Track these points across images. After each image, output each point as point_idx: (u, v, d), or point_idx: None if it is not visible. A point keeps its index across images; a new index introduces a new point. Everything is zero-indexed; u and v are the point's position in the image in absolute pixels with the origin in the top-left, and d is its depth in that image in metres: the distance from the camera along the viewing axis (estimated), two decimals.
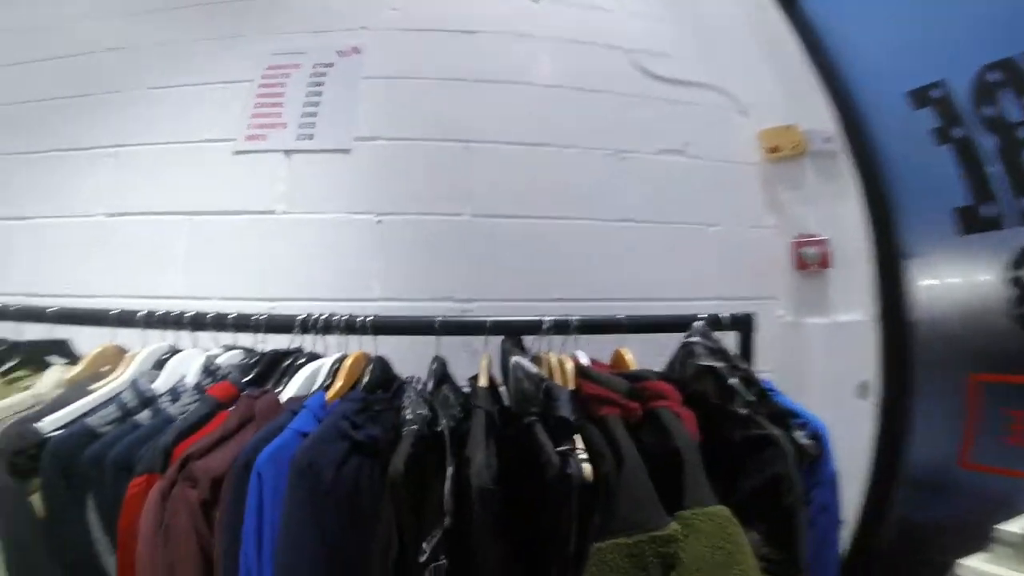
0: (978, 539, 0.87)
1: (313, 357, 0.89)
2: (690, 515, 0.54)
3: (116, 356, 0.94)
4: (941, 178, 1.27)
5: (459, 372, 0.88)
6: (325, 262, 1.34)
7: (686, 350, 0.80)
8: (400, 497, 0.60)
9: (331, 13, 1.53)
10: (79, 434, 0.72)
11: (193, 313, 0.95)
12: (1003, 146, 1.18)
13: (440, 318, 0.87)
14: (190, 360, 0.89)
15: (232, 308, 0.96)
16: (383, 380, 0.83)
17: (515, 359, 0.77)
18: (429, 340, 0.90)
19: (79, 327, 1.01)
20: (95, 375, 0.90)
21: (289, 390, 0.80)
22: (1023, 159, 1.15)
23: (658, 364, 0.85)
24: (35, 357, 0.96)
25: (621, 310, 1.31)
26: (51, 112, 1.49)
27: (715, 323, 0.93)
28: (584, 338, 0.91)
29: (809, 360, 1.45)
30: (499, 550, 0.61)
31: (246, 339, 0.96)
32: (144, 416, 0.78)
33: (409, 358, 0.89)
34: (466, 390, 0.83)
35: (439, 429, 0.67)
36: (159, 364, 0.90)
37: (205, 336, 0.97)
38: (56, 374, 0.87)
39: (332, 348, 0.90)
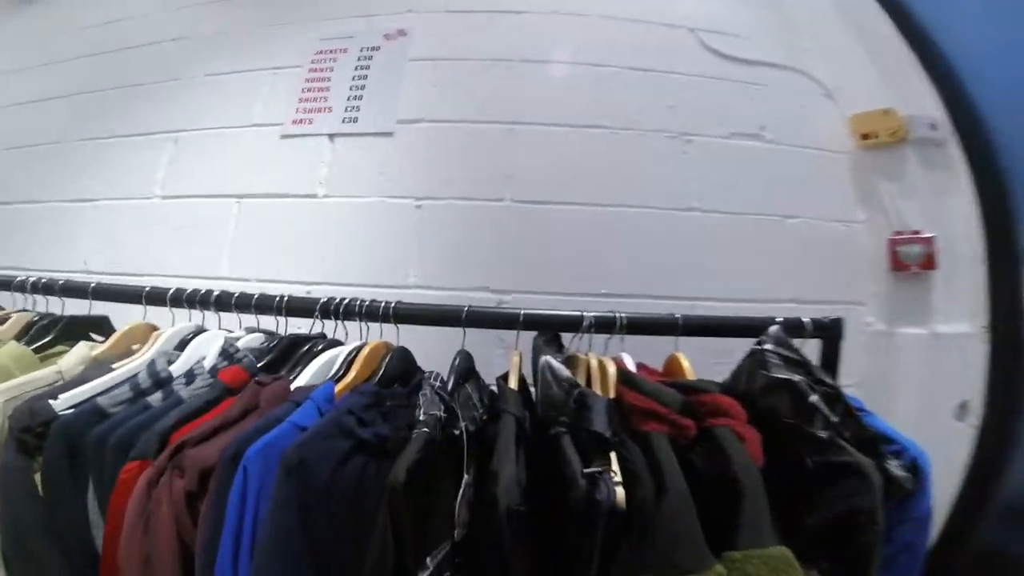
0: None
1: (333, 344, 0.83)
2: (741, 557, 0.47)
3: (146, 334, 0.91)
4: None
5: (491, 369, 0.78)
6: (363, 247, 1.29)
7: (756, 359, 0.68)
8: (399, 506, 0.51)
9: None
10: (88, 413, 0.68)
11: (218, 293, 0.91)
12: None
13: (468, 308, 0.77)
14: (210, 342, 0.85)
15: (272, 290, 0.91)
16: (401, 373, 0.75)
17: (544, 359, 0.66)
18: (460, 332, 0.80)
19: (126, 305, 1.00)
20: (124, 353, 0.88)
21: (302, 378, 0.73)
22: None
23: (720, 374, 0.73)
24: (75, 332, 0.96)
25: (680, 309, 1.18)
26: (118, 100, 1.56)
27: (794, 328, 0.79)
28: (635, 340, 0.80)
29: (900, 375, 1.24)
30: (517, 572, 0.52)
31: (270, 322, 0.91)
32: (156, 398, 0.74)
33: (439, 350, 0.79)
34: (494, 389, 0.73)
35: (456, 432, 0.59)
36: (182, 345, 0.87)
37: (231, 317, 0.93)
38: (82, 351, 0.85)
39: (361, 335, 0.83)
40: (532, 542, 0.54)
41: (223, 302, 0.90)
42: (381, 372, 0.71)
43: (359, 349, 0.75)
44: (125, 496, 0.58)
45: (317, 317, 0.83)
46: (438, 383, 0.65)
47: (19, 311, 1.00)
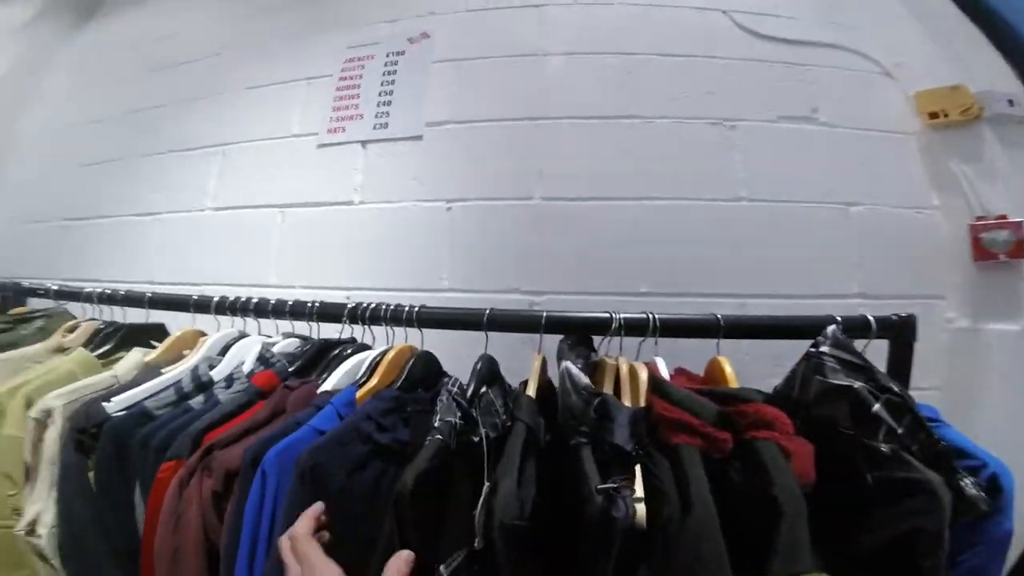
0: None
1: (362, 348, 0.84)
2: None
3: (194, 340, 0.96)
4: None
5: (524, 375, 0.73)
6: (398, 251, 1.30)
7: (812, 364, 0.63)
8: (406, 513, 0.51)
9: (401, 0, 1.50)
10: (136, 415, 0.73)
11: (257, 300, 0.94)
12: None
13: (488, 311, 0.75)
14: (249, 347, 0.88)
15: (315, 296, 0.93)
16: (425, 377, 0.74)
17: (564, 364, 0.63)
18: (493, 336, 0.78)
19: (179, 312, 1.06)
20: (175, 358, 0.93)
21: (329, 383, 0.74)
22: None
23: (773, 380, 0.67)
24: (135, 339, 1.03)
25: (729, 308, 1.11)
26: (171, 115, 1.65)
27: (857, 328, 0.71)
28: (680, 343, 0.74)
29: (988, 378, 1.10)
30: None
31: (306, 327, 0.93)
32: (197, 401, 0.78)
33: (469, 353, 0.76)
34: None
35: (476, 439, 0.57)
36: (224, 350, 0.91)
37: (272, 323, 0.96)
38: (136, 356, 0.91)
39: (388, 339, 0.83)
40: (542, 557, 0.52)
41: (261, 309, 0.94)
42: (403, 377, 0.71)
43: (384, 354, 0.75)
44: (161, 494, 0.61)
45: (345, 322, 0.84)
46: (456, 389, 0.64)
47: (88, 320, 1.09)
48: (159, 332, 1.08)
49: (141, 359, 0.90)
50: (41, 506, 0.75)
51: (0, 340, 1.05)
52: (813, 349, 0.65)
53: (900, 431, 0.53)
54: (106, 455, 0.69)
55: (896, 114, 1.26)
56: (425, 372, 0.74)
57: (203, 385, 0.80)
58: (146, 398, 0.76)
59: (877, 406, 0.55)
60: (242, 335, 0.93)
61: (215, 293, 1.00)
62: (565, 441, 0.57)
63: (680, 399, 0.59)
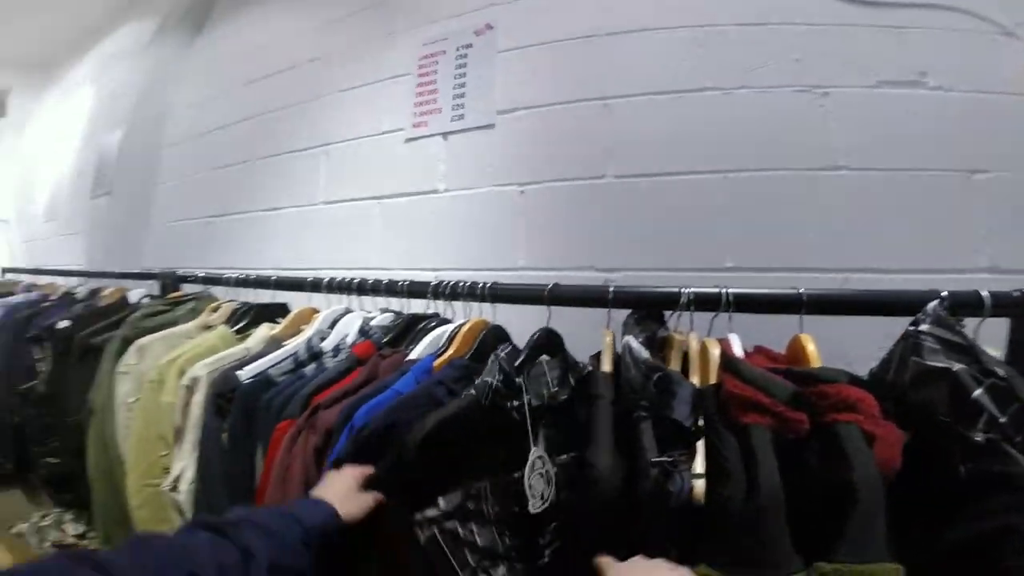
0: None
1: (444, 322, 0.89)
2: (831, 570, 0.41)
3: (310, 316, 1.08)
4: None
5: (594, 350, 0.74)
6: (478, 234, 1.34)
7: (909, 344, 0.56)
8: (414, 456, 0.56)
9: None
10: (261, 382, 0.82)
11: (359, 280, 1.03)
12: None
13: (551, 286, 0.76)
14: (353, 321, 0.97)
15: (411, 277, 0.99)
16: (494, 348, 0.77)
17: (626, 339, 0.62)
18: (566, 311, 0.78)
19: (297, 293, 1.18)
20: (294, 332, 1.04)
21: (415, 352, 0.80)
22: None
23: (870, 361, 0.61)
24: (264, 317, 1.17)
25: (828, 283, 1.02)
26: (282, 120, 1.81)
27: (967, 305, 0.62)
28: (765, 321, 0.69)
29: None
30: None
31: (401, 304, 1.01)
32: (311, 369, 0.88)
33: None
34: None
35: (515, 404, 0.60)
36: (333, 324, 1.00)
37: (369, 301, 1.06)
38: (264, 331, 1.04)
39: (466, 314, 0.87)
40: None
41: (363, 287, 1.03)
42: (475, 348, 0.75)
43: (460, 327, 0.79)
44: (276, 450, 0.69)
45: (429, 298, 0.89)
46: (504, 354, 0.65)
47: (228, 301, 1.26)
48: (283, 310, 1.21)
49: (268, 333, 1.03)
50: (184, 464, 0.87)
51: (162, 320, 1.24)
52: (912, 328, 0.57)
53: (1003, 420, 0.47)
54: (236, 417, 0.80)
55: (1022, 74, 1.07)
56: (495, 344, 0.77)
57: (315, 355, 0.90)
58: (270, 367, 0.86)
59: (978, 391, 0.48)
60: (347, 311, 1.02)
61: (327, 276, 1.09)
62: (628, 414, 0.57)
63: (752, 377, 0.55)
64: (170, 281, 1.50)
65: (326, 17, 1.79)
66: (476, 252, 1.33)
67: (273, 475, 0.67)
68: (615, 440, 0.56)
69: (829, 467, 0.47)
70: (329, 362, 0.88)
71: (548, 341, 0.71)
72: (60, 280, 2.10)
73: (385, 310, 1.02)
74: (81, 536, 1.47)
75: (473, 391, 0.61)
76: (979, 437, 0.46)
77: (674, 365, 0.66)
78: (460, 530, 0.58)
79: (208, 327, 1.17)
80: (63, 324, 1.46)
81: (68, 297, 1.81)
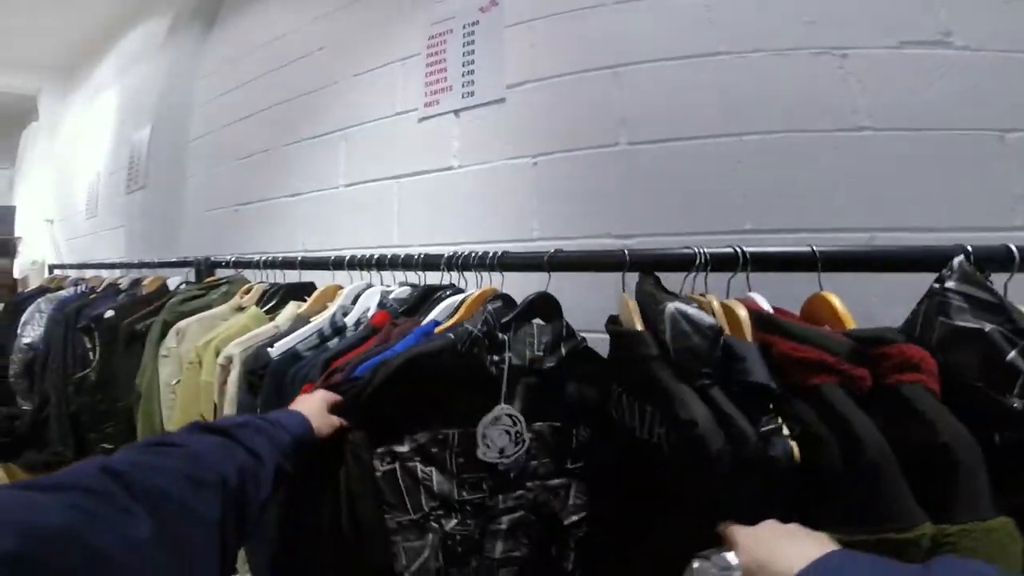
0: None
1: (458, 292, 0.89)
2: (957, 531, 0.39)
3: (334, 293, 1.10)
4: None
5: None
6: (493, 207, 1.33)
7: (935, 303, 0.53)
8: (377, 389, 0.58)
9: None
10: (289, 357, 0.85)
11: (377, 256, 1.05)
12: None
13: (551, 252, 0.76)
14: (373, 295, 0.98)
15: (430, 252, 0.99)
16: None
17: (673, 305, 0.56)
18: (582, 277, 0.79)
19: (322, 271, 1.20)
20: (320, 309, 1.07)
21: (427, 319, 0.80)
22: None
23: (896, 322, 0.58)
24: (292, 296, 1.21)
25: (853, 242, 0.99)
26: (299, 108, 1.82)
27: (998, 260, 0.59)
28: (779, 282, 0.67)
29: None
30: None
31: (413, 276, 1.03)
32: (334, 342, 0.90)
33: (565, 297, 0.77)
34: (587, 335, 0.71)
35: (495, 359, 0.62)
36: (356, 299, 1.02)
37: (389, 276, 1.08)
38: (291, 309, 1.07)
39: (480, 283, 0.87)
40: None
41: (381, 263, 1.04)
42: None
43: (470, 295, 0.80)
44: None
45: (443, 270, 0.91)
46: (491, 308, 0.66)
47: (259, 283, 1.30)
48: (310, 288, 1.24)
49: (295, 311, 1.06)
50: None
51: (197, 304, 1.28)
52: (937, 285, 0.54)
53: None
54: (268, 392, 0.82)
55: None
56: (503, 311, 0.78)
57: (339, 329, 0.93)
58: (297, 343, 0.88)
59: (1013, 353, 0.45)
60: (369, 286, 1.03)
61: (351, 255, 1.11)
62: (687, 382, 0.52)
63: (808, 336, 0.52)
64: (204, 267, 1.55)
65: (334, 4, 1.78)
66: (492, 224, 1.33)
67: None
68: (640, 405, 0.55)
69: (907, 431, 0.44)
70: (353, 334, 0.91)
71: (543, 304, 0.71)
72: (104, 273, 2.20)
73: (404, 283, 1.04)
74: None
75: (452, 335, 0.62)
76: (1017, 404, 0.43)
77: None
78: (420, 471, 0.60)
79: (241, 308, 1.21)
80: (109, 314, 1.53)
81: (112, 288, 1.89)
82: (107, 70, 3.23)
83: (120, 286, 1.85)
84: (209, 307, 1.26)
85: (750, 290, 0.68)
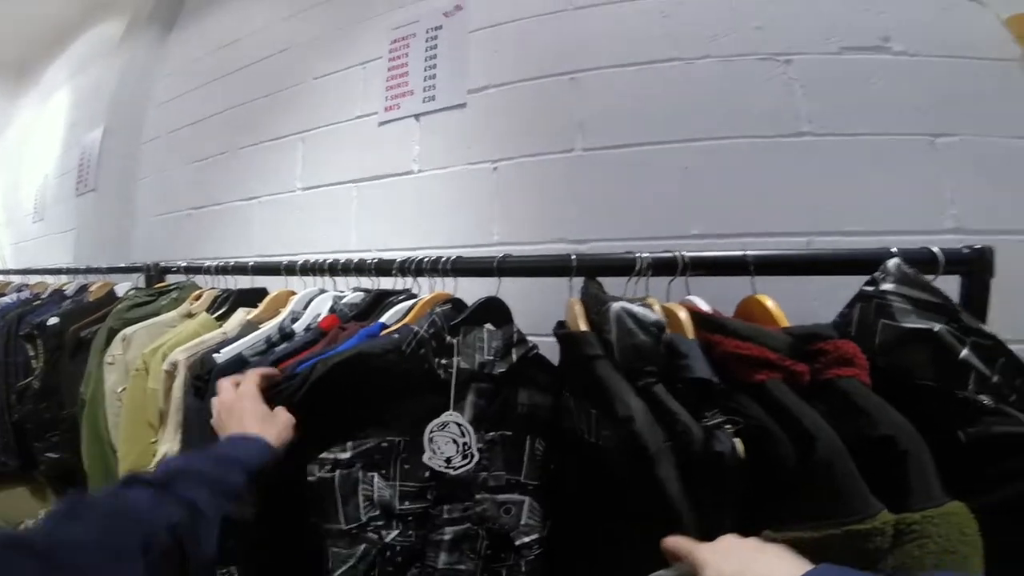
0: None
1: (411, 297, 0.89)
2: (920, 518, 0.39)
3: (286, 299, 1.08)
4: None
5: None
6: (453, 212, 1.34)
7: (874, 306, 0.53)
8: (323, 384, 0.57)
9: None
10: (235, 361, 0.83)
11: (331, 261, 1.04)
12: None
13: (500, 258, 0.77)
14: (325, 301, 0.97)
15: (388, 257, 0.98)
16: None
17: (619, 305, 0.58)
18: (542, 282, 0.78)
19: (276, 277, 1.19)
20: (271, 315, 1.05)
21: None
22: None
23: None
24: (244, 302, 1.18)
25: (793, 246, 1.03)
26: (257, 110, 1.80)
27: (922, 263, 0.60)
28: (712, 285, 0.69)
29: None
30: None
31: (368, 282, 1.01)
32: (282, 347, 0.89)
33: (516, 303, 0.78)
34: (537, 339, 0.71)
35: (443, 362, 0.61)
36: (307, 304, 1.01)
37: (346, 281, 1.07)
38: (240, 315, 1.04)
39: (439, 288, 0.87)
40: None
41: (334, 268, 1.03)
42: None
43: (420, 299, 0.80)
44: None
45: (396, 275, 0.90)
46: (439, 311, 0.66)
47: (210, 289, 1.26)
48: (262, 294, 1.21)
49: (244, 317, 1.03)
50: (169, 446, 0.88)
51: (145, 310, 1.24)
52: (870, 288, 0.55)
53: (995, 379, 0.45)
54: (212, 396, 0.82)
55: (990, 41, 1.07)
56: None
57: (287, 335, 0.91)
58: (244, 348, 0.86)
59: (965, 351, 0.46)
60: (321, 291, 1.02)
61: (303, 260, 1.08)
62: (632, 380, 0.53)
63: (750, 334, 0.53)
64: (154, 273, 1.50)
65: (296, 7, 1.77)
66: (453, 230, 1.33)
67: None
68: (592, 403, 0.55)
69: (847, 424, 0.44)
70: (301, 339, 0.89)
71: (493, 309, 0.71)
72: (50, 279, 2.10)
73: (358, 289, 1.03)
74: None
75: (397, 335, 0.61)
76: (984, 399, 0.44)
77: None
78: (361, 478, 0.58)
79: (190, 315, 1.18)
80: (53, 320, 1.47)
81: (58, 294, 1.81)
82: (60, 70, 3.13)
83: (66, 292, 1.78)
84: (157, 313, 1.22)
85: (689, 293, 0.70)
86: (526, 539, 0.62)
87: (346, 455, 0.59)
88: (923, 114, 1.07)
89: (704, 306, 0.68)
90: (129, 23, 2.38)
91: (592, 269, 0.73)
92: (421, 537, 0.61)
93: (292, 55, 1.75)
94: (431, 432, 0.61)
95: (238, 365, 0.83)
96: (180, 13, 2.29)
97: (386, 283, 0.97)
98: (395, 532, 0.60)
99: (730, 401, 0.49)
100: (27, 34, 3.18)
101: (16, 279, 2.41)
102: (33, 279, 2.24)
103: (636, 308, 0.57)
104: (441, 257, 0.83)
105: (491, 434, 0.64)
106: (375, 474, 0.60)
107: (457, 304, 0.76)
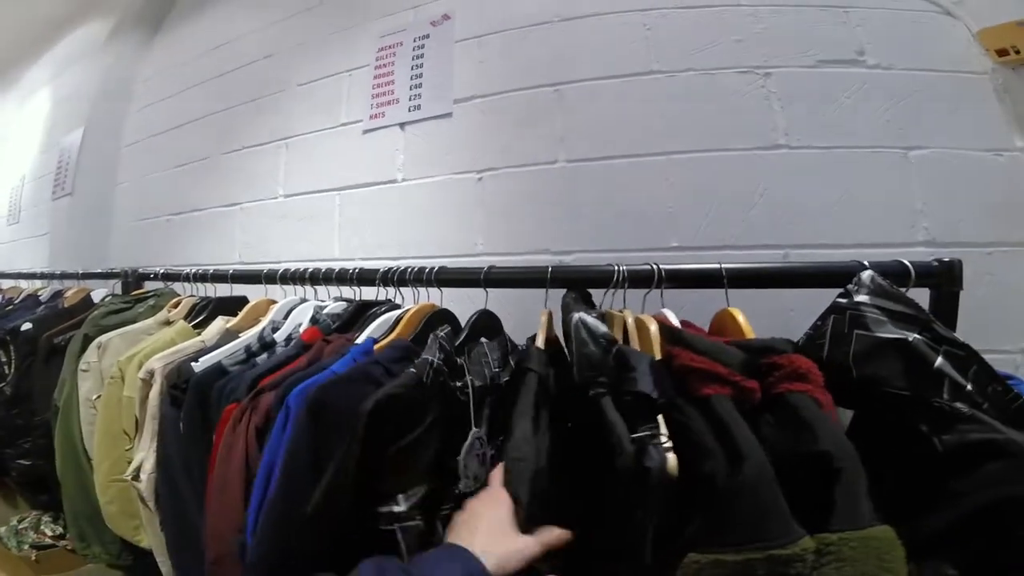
0: None
1: (394, 307, 0.89)
2: (838, 539, 0.38)
3: (266, 308, 1.07)
4: None
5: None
6: (437, 221, 1.34)
7: (848, 317, 0.54)
8: (359, 436, 0.52)
9: None
10: (214, 371, 0.82)
11: (311, 270, 1.04)
12: None
13: (487, 268, 0.77)
14: (306, 310, 0.97)
15: (371, 266, 0.97)
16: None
17: (577, 315, 0.59)
18: (513, 294, 0.79)
19: (256, 285, 1.17)
20: (251, 324, 1.04)
21: (362, 336, 0.79)
22: None
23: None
24: (223, 310, 1.16)
25: (770, 259, 1.06)
26: (240, 115, 1.79)
27: (892, 276, 0.60)
28: (687, 298, 0.70)
29: None
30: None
31: (369, 292, 1.01)
32: (262, 358, 0.88)
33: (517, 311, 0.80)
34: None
35: (458, 384, 0.59)
36: (288, 314, 1.01)
37: (327, 290, 1.06)
38: (219, 324, 1.03)
39: (423, 299, 0.87)
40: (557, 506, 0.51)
41: (315, 277, 1.03)
42: (419, 330, 0.76)
43: (407, 311, 0.80)
44: (222, 430, 0.69)
45: (379, 285, 0.90)
46: (443, 334, 0.65)
47: (188, 296, 1.25)
48: (242, 303, 1.20)
49: (223, 326, 1.02)
50: (144, 455, 0.86)
51: (122, 317, 1.22)
52: (844, 300, 0.55)
53: (968, 387, 0.45)
54: (190, 406, 0.79)
55: (963, 54, 1.11)
56: (440, 326, 0.79)
57: (267, 344, 0.90)
58: (222, 357, 0.86)
59: (939, 360, 0.47)
60: (302, 300, 1.01)
61: (284, 268, 1.09)
62: (583, 393, 0.54)
63: (705, 348, 0.53)
64: (131, 279, 1.48)
65: (283, 13, 1.77)
66: (436, 239, 1.34)
67: (219, 455, 0.67)
68: (552, 413, 0.57)
69: (792, 439, 0.44)
70: (282, 350, 0.89)
71: (488, 322, 0.72)
72: (24, 283, 2.06)
73: (339, 299, 1.03)
74: (59, 537, 1.46)
75: (413, 369, 0.59)
76: (960, 406, 0.44)
77: None
78: (422, 526, 0.55)
79: (168, 323, 1.16)
80: (26, 326, 1.44)
81: (32, 299, 1.77)
82: (41, 71, 3.08)
83: (40, 297, 1.74)
84: (134, 321, 1.21)
85: (663, 306, 0.71)
86: None
87: (401, 508, 0.54)
88: (896, 127, 1.10)
89: (673, 319, 0.69)
90: (115, 25, 2.36)
91: (570, 280, 0.74)
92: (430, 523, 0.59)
93: (278, 61, 1.75)
94: (464, 459, 0.59)
95: (217, 374, 0.82)
96: (167, 16, 2.28)
97: (368, 292, 0.98)
98: None
99: (679, 415, 0.48)
100: (8, 34, 3.12)
101: None
102: (6, 283, 2.19)
103: (589, 319, 0.58)
104: (425, 268, 0.83)
105: (500, 438, 0.64)
106: (421, 519, 0.57)
107: (445, 315, 0.77)
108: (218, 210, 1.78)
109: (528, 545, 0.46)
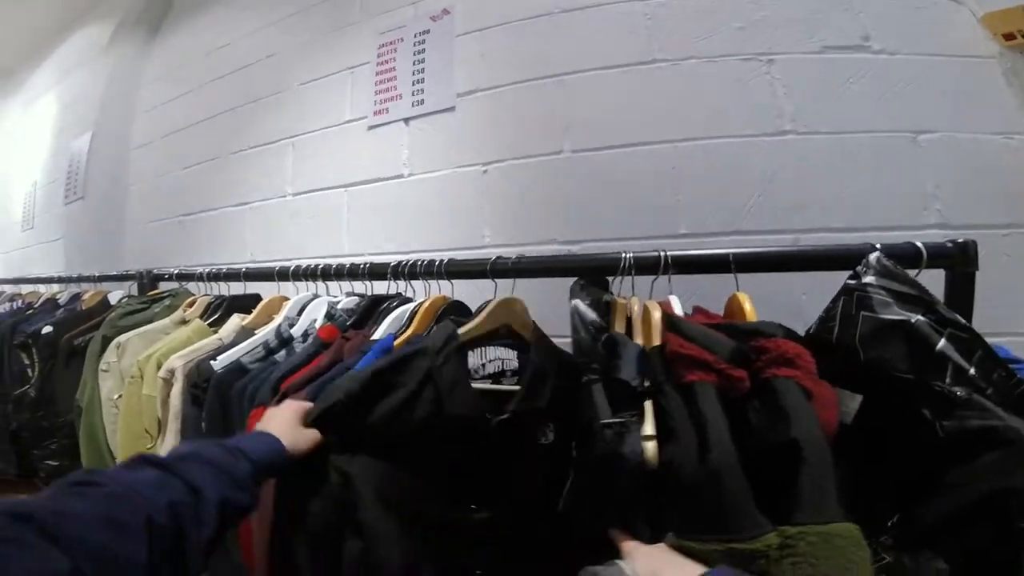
0: None
1: (406, 301, 0.90)
2: (795, 532, 0.37)
3: (280, 305, 1.09)
4: None
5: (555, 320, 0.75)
6: (444, 215, 1.36)
7: (855, 299, 0.53)
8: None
9: None
10: (234, 370, 0.84)
11: (322, 266, 1.05)
12: None
13: (493, 259, 0.78)
14: (320, 306, 0.99)
15: (380, 261, 1.00)
16: None
17: (573, 302, 0.62)
18: (537, 283, 0.79)
19: (268, 282, 1.19)
20: (265, 321, 1.06)
21: (378, 332, 0.81)
22: None
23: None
24: (237, 308, 1.18)
25: (780, 244, 1.05)
26: (246, 115, 1.81)
27: (905, 257, 0.60)
28: (702, 283, 0.71)
29: None
30: None
31: (360, 287, 1.04)
32: (281, 355, 0.90)
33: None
34: None
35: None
36: (302, 310, 1.02)
37: (338, 285, 1.08)
38: (235, 321, 1.05)
39: (429, 291, 0.88)
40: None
41: (326, 273, 1.04)
42: (434, 323, 0.77)
43: (420, 305, 0.81)
44: None
45: (389, 279, 0.92)
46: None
47: (203, 295, 1.27)
48: (255, 300, 1.22)
49: (239, 324, 1.04)
50: None
51: (139, 318, 1.25)
52: (853, 281, 0.54)
53: (971, 371, 0.44)
54: (211, 406, 0.81)
55: (969, 39, 1.10)
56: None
57: (285, 341, 0.92)
58: (242, 355, 0.87)
59: (942, 342, 0.46)
60: (315, 296, 1.03)
61: (296, 265, 1.10)
62: (580, 378, 0.55)
63: (694, 335, 0.53)
64: (146, 280, 1.51)
65: (284, 12, 1.77)
66: (443, 232, 1.35)
67: None
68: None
69: (771, 425, 0.44)
70: (298, 347, 0.90)
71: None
72: (42, 288, 2.10)
73: (351, 293, 1.04)
74: None
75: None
76: (959, 391, 0.43)
77: (618, 328, 0.65)
78: None
79: (184, 322, 1.19)
80: (47, 329, 1.47)
81: (51, 303, 1.81)
82: (45, 76, 3.10)
83: (59, 301, 1.78)
84: (151, 321, 1.23)
85: (671, 292, 0.71)
86: None
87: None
88: (905, 111, 1.09)
89: (677, 305, 0.69)
90: (115, 28, 2.37)
91: (578, 269, 0.75)
92: None
93: (280, 60, 1.75)
94: None
95: (238, 372, 0.84)
96: (166, 18, 2.29)
97: (379, 286, 0.99)
98: None
99: (664, 401, 0.49)
100: (11, 39, 3.15)
101: (8, 288, 2.40)
102: (26, 288, 2.24)
103: (582, 306, 0.60)
104: (435, 260, 0.85)
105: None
106: None
107: (459, 307, 0.78)
108: (228, 210, 1.81)
109: (311, 435, 0.58)
